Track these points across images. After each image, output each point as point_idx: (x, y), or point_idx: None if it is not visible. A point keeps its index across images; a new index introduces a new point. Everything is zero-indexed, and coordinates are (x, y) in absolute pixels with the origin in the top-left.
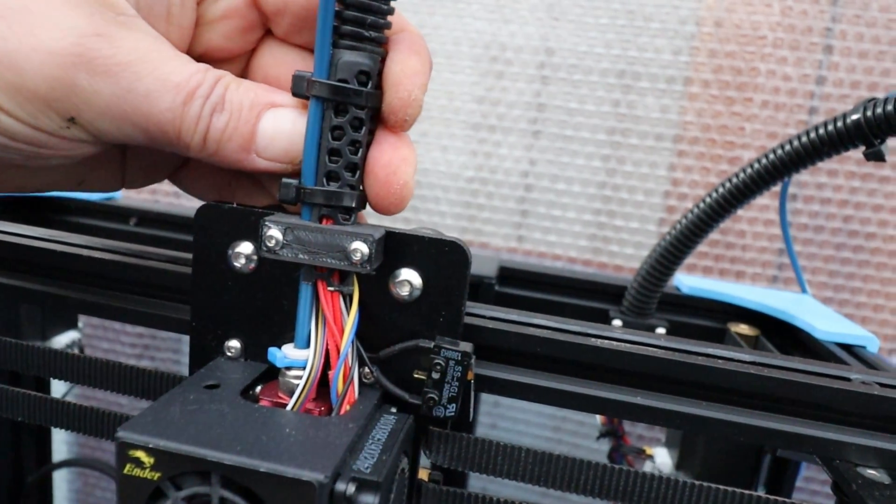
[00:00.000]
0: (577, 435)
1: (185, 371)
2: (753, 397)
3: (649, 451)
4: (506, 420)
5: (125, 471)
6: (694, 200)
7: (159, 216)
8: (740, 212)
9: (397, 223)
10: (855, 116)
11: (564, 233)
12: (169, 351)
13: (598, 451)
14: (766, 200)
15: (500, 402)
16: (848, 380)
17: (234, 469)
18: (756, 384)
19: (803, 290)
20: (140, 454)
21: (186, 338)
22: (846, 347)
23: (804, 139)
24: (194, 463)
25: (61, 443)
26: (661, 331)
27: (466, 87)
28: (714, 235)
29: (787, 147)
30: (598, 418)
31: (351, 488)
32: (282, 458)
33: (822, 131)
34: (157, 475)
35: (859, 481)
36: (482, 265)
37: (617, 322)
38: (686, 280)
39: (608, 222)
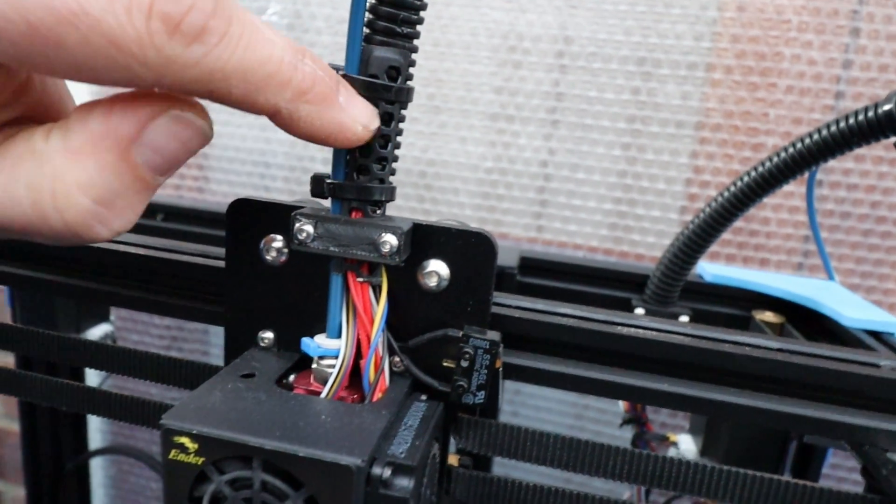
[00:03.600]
0: (599, 422)
1: (212, 360)
2: (781, 384)
3: (673, 437)
4: (527, 408)
5: (170, 456)
6: (717, 188)
7: (185, 211)
8: (764, 199)
9: (416, 215)
10: (887, 107)
11: (585, 222)
12: (197, 342)
13: (620, 438)
14: (790, 187)
15: (521, 391)
16: (877, 366)
17: (274, 454)
18: (784, 371)
19: (830, 277)
20: (184, 440)
21: (213, 328)
22: (874, 334)
23: (833, 129)
24: (237, 448)
25: (95, 431)
26: (684, 319)
27: (484, 78)
28: (737, 222)
29: (816, 136)
30: (622, 405)
31: (387, 472)
32: (319, 443)
33: (851, 121)
34: (200, 460)
35: (889, 467)
36: (503, 255)
37: (639, 311)
38: (709, 268)
39: (629, 211)
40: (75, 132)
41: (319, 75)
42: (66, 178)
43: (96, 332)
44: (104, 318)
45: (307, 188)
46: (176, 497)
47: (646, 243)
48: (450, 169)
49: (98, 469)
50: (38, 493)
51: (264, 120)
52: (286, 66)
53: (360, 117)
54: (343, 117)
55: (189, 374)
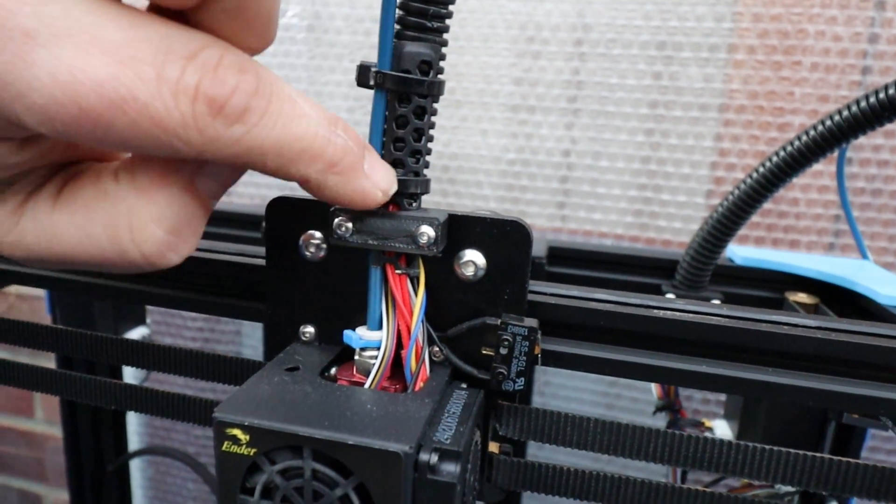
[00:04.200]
0: (630, 411)
1: None
2: (821, 362)
3: (708, 423)
4: (558, 399)
5: (223, 448)
6: (743, 170)
7: (215, 214)
8: (793, 179)
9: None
10: None
11: (610, 210)
12: (230, 343)
13: (654, 426)
14: (819, 166)
15: (551, 381)
16: None
17: (324, 443)
18: (823, 348)
19: (863, 256)
20: (236, 432)
21: (246, 330)
22: None
23: (862, 105)
24: (287, 438)
25: (133, 434)
26: (716, 303)
27: (504, 70)
28: (766, 204)
29: (844, 113)
30: (654, 393)
31: (434, 458)
32: (367, 431)
33: (882, 96)
34: (252, 451)
35: None
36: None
37: (670, 296)
38: (739, 251)
39: (654, 197)
40: (141, 171)
41: (349, 146)
42: (141, 214)
43: (133, 335)
44: (140, 321)
45: None
46: (229, 488)
47: (672, 229)
48: (472, 162)
49: (137, 471)
50: (81, 495)
51: None
52: (320, 140)
53: (380, 183)
54: (366, 185)
55: (228, 370)
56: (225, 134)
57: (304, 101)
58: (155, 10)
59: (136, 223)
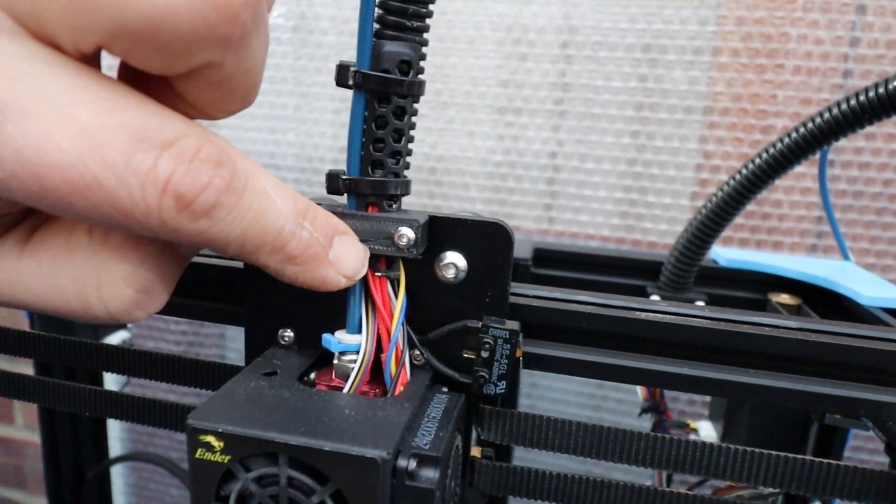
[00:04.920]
0: (616, 413)
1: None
2: (803, 363)
3: (693, 424)
4: (545, 401)
5: (197, 455)
6: (727, 172)
7: None
8: (776, 181)
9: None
10: None
11: (596, 212)
12: (213, 346)
13: (640, 427)
14: (802, 168)
15: (538, 384)
16: None
17: (300, 449)
18: (805, 350)
19: (845, 257)
20: (210, 439)
21: (229, 333)
22: (892, 312)
23: (843, 107)
24: (262, 445)
25: (115, 440)
26: (700, 304)
27: (490, 72)
28: (749, 206)
29: (826, 115)
30: (640, 394)
31: (412, 464)
32: (344, 437)
33: (862, 98)
34: (227, 458)
35: None
36: (516, 247)
37: (655, 298)
38: (723, 252)
39: (640, 199)
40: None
41: (314, 238)
42: (112, 272)
43: (114, 340)
44: (121, 325)
45: (318, 189)
46: (203, 496)
47: (658, 231)
48: (459, 164)
49: (118, 477)
50: (60, 502)
51: (273, 123)
52: (284, 235)
53: (346, 269)
54: (327, 273)
55: (209, 375)
56: (188, 226)
57: (278, 194)
58: (136, 73)
59: (105, 281)
